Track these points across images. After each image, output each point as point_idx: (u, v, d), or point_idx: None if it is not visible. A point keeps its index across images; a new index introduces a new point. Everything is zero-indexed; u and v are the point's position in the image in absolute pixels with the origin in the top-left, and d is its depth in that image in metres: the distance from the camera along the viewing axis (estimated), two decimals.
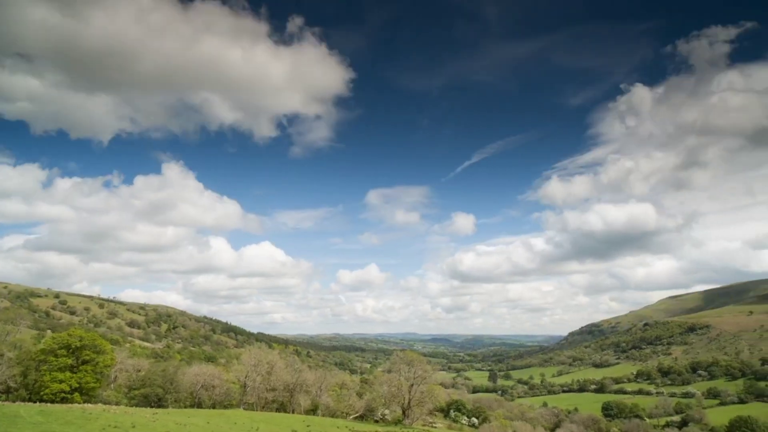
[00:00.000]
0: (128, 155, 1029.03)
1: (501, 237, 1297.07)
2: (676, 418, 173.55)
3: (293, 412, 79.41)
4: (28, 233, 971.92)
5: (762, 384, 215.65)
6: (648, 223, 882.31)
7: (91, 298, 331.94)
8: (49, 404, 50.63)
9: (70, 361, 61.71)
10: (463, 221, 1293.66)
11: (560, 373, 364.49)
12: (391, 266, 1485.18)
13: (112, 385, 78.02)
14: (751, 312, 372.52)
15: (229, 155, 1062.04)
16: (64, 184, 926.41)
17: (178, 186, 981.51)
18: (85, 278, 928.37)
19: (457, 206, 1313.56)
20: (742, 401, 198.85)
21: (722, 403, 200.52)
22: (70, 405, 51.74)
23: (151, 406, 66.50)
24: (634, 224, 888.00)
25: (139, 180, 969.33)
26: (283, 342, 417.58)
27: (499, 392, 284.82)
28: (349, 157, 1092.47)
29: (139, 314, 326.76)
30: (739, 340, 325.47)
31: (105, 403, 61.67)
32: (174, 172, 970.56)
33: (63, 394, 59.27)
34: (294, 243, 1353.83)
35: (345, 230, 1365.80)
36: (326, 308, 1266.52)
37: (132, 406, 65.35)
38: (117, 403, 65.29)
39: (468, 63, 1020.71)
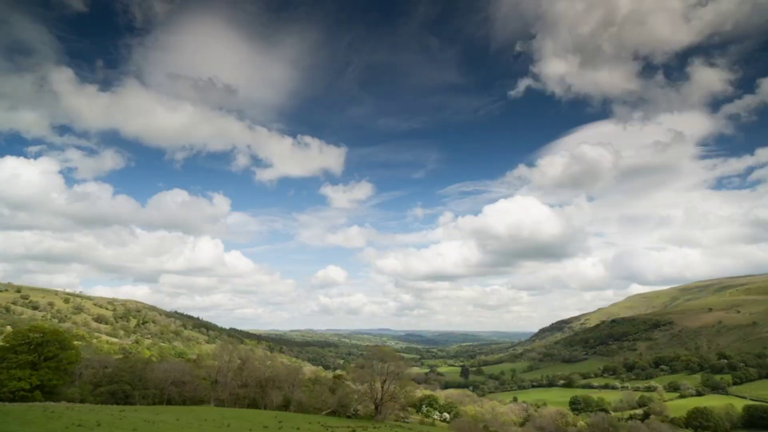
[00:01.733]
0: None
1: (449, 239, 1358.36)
2: (639, 411, 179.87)
3: (265, 408, 78.81)
4: None
5: (718, 377, 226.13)
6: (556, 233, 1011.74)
7: (55, 292, 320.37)
8: (7, 403, 48.79)
9: (31, 358, 59.57)
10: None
11: (530, 369, 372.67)
12: (359, 266, 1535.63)
13: (76, 383, 75.66)
14: (710, 309, 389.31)
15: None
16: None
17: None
18: (50, 273, 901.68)
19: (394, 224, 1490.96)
20: (699, 393, 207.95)
21: (682, 396, 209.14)
22: (30, 404, 49.96)
23: (118, 404, 64.85)
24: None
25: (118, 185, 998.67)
26: (255, 338, 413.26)
27: (471, 387, 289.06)
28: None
29: (107, 309, 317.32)
30: (699, 335, 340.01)
31: (69, 401, 59.79)
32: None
33: (23, 393, 57.17)
34: (265, 243, 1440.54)
35: (309, 234, 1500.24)
36: (299, 305, 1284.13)
37: (98, 403, 63.53)
38: (82, 401, 63.36)
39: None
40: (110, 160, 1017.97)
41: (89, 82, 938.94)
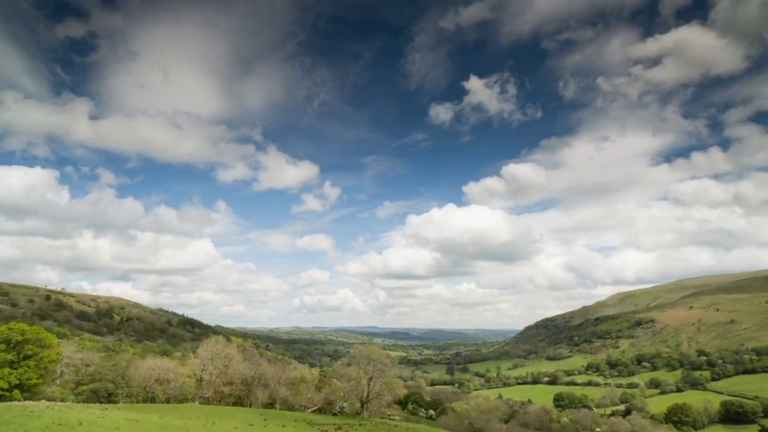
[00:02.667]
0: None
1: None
2: (621, 407, 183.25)
3: (251, 406, 78.50)
4: None
5: (697, 373, 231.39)
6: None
7: (36, 289, 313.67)
8: None
9: (10, 357, 58.42)
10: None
11: (515, 366, 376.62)
12: (341, 267, 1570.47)
13: (57, 381, 74.41)
14: (691, 307, 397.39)
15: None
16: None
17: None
18: (31, 270, 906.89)
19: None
20: (679, 390, 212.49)
21: (662, 392, 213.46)
22: (9, 403, 49.05)
23: (101, 402, 64.02)
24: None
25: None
26: (241, 335, 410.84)
27: (456, 385, 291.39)
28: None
29: (90, 306, 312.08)
30: (680, 333, 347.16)
31: (49, 400, 58.84)
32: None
33: (1, 392, 56.11)
34: (252, 245, 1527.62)
35: (291, 237, 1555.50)
36: (286, 303, 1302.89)
37: (79, 402, 62.63)
38: (63, 400, 62.35)
39: None
40: (110, 171, 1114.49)
41: (97, 114, 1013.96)
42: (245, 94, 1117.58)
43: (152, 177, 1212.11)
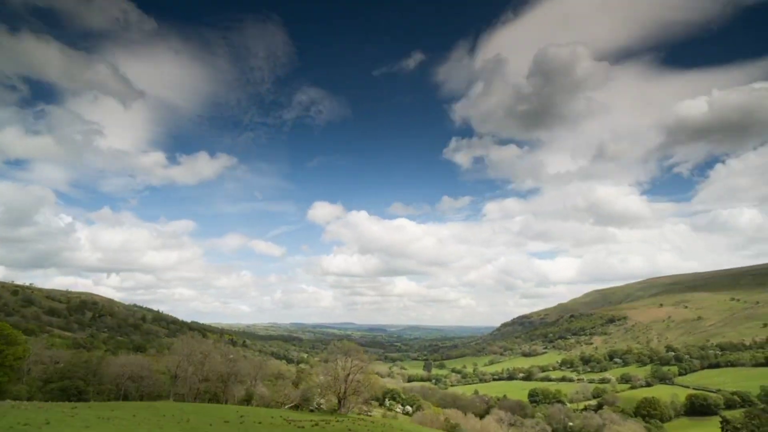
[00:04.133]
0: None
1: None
2: (593, 402, 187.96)
3: (227, 403, 77.64)
4: None
5: (665, 369, 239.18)
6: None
7: (2, 284, 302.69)
8: None
9: None
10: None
11: (492, 363, 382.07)
12: (318, 265, 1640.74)
13: (24, 379, 72.13)
14: (661, 304, 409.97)
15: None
16: None
17: None
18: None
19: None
20: (648, 384, 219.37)
21: (633, 387, 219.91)
22: None
23: (71, 401, 62.33)
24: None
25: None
26: (218, 331, 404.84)
27: (433, 381, 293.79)
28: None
29: (61, 302, 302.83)
30: (651, 329, 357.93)
31: (15, 399, 56.96)
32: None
33: None
34: (230, 243, 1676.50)
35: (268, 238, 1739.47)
36: (263, 299, 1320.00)
37: (47, 400, 60.84)
38: (30, 399, 60.54)
39: None
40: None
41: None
42: (217, 151, 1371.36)
43: (138, 188, 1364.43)
